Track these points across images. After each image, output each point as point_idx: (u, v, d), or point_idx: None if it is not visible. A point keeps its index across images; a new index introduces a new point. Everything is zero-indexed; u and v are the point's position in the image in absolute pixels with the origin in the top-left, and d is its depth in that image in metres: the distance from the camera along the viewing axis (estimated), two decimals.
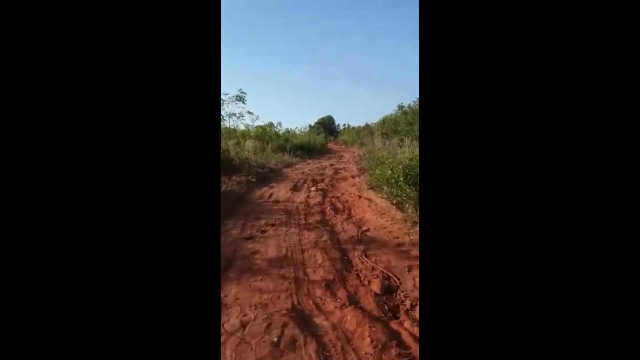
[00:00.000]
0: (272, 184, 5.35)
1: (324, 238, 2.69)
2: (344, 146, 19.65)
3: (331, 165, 8.67)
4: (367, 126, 12.21)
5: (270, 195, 4.51)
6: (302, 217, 3.41)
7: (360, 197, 4.19)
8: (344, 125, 30.87)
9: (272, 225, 3.10)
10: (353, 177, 5.98)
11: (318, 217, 3.38)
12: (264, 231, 2.92)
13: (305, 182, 5.62)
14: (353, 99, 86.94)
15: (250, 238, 2.75)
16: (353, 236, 2.76)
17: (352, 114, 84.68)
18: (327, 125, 27.40)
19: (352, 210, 3.62)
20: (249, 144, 8.37)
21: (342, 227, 3.01)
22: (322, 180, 5.74)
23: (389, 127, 11.36)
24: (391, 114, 13.09)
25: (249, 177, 5.41)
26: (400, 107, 13.12)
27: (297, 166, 8.48)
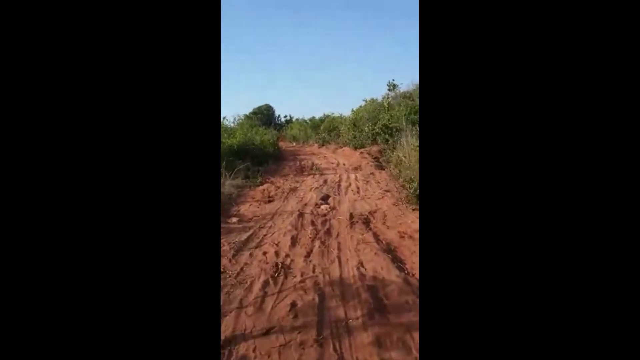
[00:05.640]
0: None
1: None
2: (295, 144, 14.49)
3: (333, 208, 3.63)
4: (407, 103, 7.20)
5: None
6: None
7: None
8: (286, 116, 25.61)
9: None
10: None
11: None
12: None
13: None
14: (289, 89, 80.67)
15: None
16: None
17: (290, 106, 78.73)
18: (266, 117, 21.81)
19: None
20: None
21: None
22: None
23: (394, 115, 6.71)
24: (385, 98, 8.42)
25: None
26: (393, 85, 8.62)
27: (248, 224, 3.22)
